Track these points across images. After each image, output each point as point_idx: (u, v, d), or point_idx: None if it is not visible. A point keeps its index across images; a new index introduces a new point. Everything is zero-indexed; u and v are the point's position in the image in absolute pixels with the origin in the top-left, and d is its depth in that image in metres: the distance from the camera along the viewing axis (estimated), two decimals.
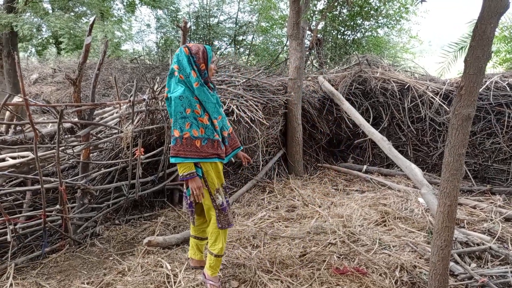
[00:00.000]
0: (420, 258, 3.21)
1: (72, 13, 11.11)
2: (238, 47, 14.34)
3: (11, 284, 2.81)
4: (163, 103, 4.22)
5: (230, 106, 4.67)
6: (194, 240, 2.95)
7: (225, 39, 14.23)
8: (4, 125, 3.95)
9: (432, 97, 5.69)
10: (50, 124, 4.88)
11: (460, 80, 2.10)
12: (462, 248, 3.28)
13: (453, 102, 2.14)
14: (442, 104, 5.57)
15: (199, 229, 2.92)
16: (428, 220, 3.90)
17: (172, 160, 2.50)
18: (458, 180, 2.23)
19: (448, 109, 5.53)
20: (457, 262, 3.04)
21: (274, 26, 12.95)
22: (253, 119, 4.74)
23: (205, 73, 2.58)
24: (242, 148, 2.97)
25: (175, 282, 2.83)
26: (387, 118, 6.05)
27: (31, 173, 3.59)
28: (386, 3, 10.04)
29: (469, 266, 3.06)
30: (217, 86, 5.07)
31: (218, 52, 13.80)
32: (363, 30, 10.75)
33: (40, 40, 16.49)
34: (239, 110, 4.66)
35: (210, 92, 2.61)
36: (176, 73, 2.53)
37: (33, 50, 18.56)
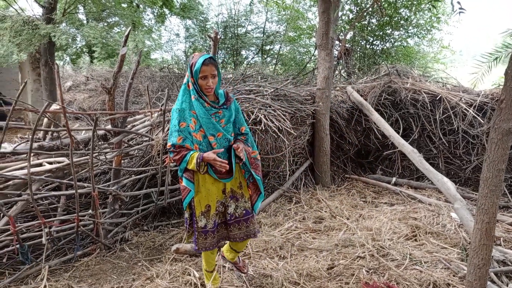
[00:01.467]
0: (453, 276, 3.10)
1: (105, 23, 11.52)
2: (265, 56, 14.42)
3: (45, 286, 2.89)
4: None
5: (258, 116, 4.69)
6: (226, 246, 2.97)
7: (252, 48, 14.35)
8: (42, 131, 4.11)
9: (465, 109, 5.52)
10: (84, 131, 5.04)
11: (500, 93, 2.03)
12: (499, 267, 3.14)
13: (493, 115, 2.08)
14: (476, 116, 5.40)
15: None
16: (462, 236, 3.76)
17: (179, 171, 2.49)
18: (497, 196, 2.15)
19: (482, 121, 5.35)
20: (493, 282, 2.91)
21: (302, 36, 12.96)
22: (281, 128, 4.74)
23: (197, 87, 2.41)
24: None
25: None
26: (418, 129, 5.91)
27: (66, 178, 3.70)
28: (417, 13, 9.87)
29: (507, 286, 2.92)
30: (245, 96, 5.10)
31: (245, 62, 13.93)
32: (392, 40, 10.60)
33: (74, 50, 17.12)
34: (266, 119, 4.67)
35: (207, 106, 2.43)
36: (184, 81, 2.49)
37: (68, 59, 19.30)
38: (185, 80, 2.48)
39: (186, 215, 2.59)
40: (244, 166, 2.61)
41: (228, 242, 2.86)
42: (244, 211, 2.62)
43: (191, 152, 2.39)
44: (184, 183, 2.48)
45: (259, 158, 2.69)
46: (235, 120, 2.61)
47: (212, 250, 2.64)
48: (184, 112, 2.40)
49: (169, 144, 2.42)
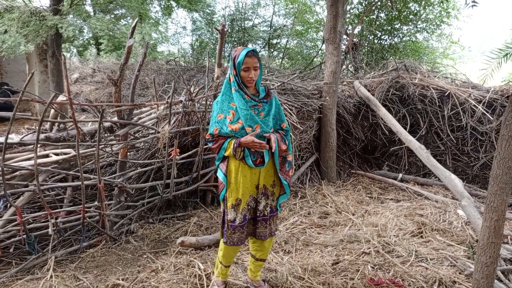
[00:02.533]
0: (459, 273, 3.07)
1: (112, 15, 11.50)
2: (272, 50, 14.35)
3: (51, 276, 2.91)
4: (199, 104, 4.27)
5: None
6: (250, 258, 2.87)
7: (259, 42, 14.27)
8: (48, 123, 4.12)
9: (474, 105, 5.46)
10: (90, 123, 5.05)
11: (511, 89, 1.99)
12: (506, 265, 3.11)
13: (504, 112, 2.04)
14: (485, 112, 5.33)
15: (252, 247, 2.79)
16: (469, 234, 3.74)
17: (216, 160, 2.53)
18: (506, 194, 2.12)
19: (491, 118, 5.29)
20: (500, 280, 2.89)
21: (309, 30, 12.86)
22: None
23: (238, 79, 2.46)
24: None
25: (207, 284, 2.84)
26: (425, 125, 5.85)
27: (72, 170, 3.71)
28: (426, 7, 9.74)
29: None
30: None
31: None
32: (401, 34, 10.48)
33: (81, 41, 17.15)
34: None
35: (247, 98, 2.46)
36: (227, 75, 2.54)
37: (75, 50, 19.35)
38: (227, 75, 2.53)
39: (222, 207, 2.62)
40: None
41: (251, 256, 2.81)
42: (270, 209, 2.60)
43: (229, 139, 2.44)
44: (218, 174, 2.55)
45: (289, 160, 2.62)
46: (276, 116, 2.60)
47: (238, 246, 2.60)
48: (223, 104, 2.46)
49: (207, 134, 2.53)
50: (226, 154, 2.45)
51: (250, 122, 2.43)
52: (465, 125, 5.51)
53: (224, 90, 2.51)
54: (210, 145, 2.54)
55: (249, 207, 2.55)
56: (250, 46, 13.99)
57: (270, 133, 2.47)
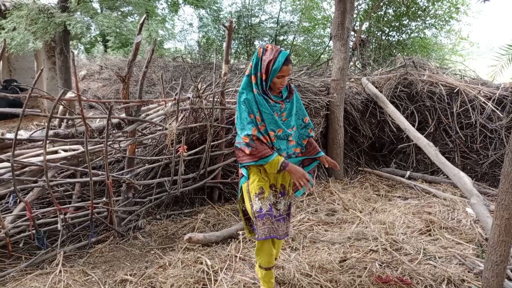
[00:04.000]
0: (468, 272, 3.05)
1: (119, 13, 11.53)
2: (279, 47, 14.31)
3: (60, 271, 2.93)
4: (206, 101, 4.27)
5: None
6: None
7: (265, 38, 14.24)
8: (57, 119, 4.15)
9: (484, 102, 5.40)
10: (99, 119, 5.08)
11: None
12: None
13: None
14: (495, 109, 5.27)
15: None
16: (478, 232, 3.70)
17: (244, 164, 2.39)
18: None
19: (501, 115, 5.23)
20: (510, 279, 2.86)
21: (316, 26, 12.79)
22: None
23: (264, 84, 2.32)
24: (321, 154, 2.61)
25: (215, 280, 2.85)
26: (434, 123, 5.80)
27: (81, 166, 3.74)
28: (435, 3, 9.64)
29: None
30: None
31: (254, 54, 13.81)
32: (409, 31, 10.40)
33: (89, 39, 17.23)
34: None
35: (271, 102, 2.35)
36: (247, 72, 2.38)
37: (82, 47, 19.44)
38: (247, 71, 2.37)
39: (243, 207, 2.55)
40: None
41: None
42: (286, 208, 2.54)
43: (275, 155, 2.30)
44: (243, 171, 2.46)
45: (312, 142, 2.61)
46: (297, 111, 2.52)
47: (274, 238, 2.42)
48: (251, 104, 2.31)
49: (243, 136, 2.29)
50: (268, 169, 2.34)
51: (273, 126, 2.35)
52: (474, 122, 5.45)
53: (247, 89, 2.34)
54: (244, 148, 2.30)
55: (274, 192, 2.47)
56: (257, 43, 13.97)
57: (323, 156, 2.56)
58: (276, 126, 2.36)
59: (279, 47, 2.38)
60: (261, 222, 2.35)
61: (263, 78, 2.28)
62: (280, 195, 2.47)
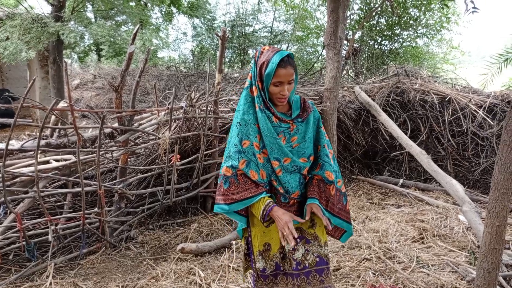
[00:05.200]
0: (461, 279, 3.05)
1: (113, 22, 11.56)
2: (279, 47, 14.40)
3: (50, 283, 2.90)
4: (200, 110, 4.28)
5: None
6: None
7: (259, 47, 14.33)
8: (49, 129, 4.12)
9: (475, 110, 5.46)
10: (91, 129, 5.05)
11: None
12: (508, 271, 3.09)
13: (505, 117, 2.03)
14: (486, 117, 5.33)
15: None
16: (470, 240, 3.71)
17: (217, 209, 1.85)
18: (508, 199, 2.11)
19: (492, 123, 5.28)
20: (502, 286, 2.87)
21: (310, 35, 12.90)
22: None
23: (263, 95, 1.81)
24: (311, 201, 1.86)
25: None
26: (426, 131, 5.85)
27: (72, 176, 3.71)
28: (426, 13, 9.78)
29: None
30: None
31: (252, 61, 13.90)
32: (401, 40, 10.52)
33: (82, 48, 17.23)
34: None
35: (274, 121, 1.82)
36: (246, 84, 1.88)
37: (76, 57, 19.42)
38: (247, 83, 1.87)
39: (242, 243, 2.08)
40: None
41: None
42: (317, 259, 1.89)
43: (261, 196, 1.78)
44: (221, 210, 1.86)
45: (343, 190, 1.96)
46: (316, 136, 1.95)
47: None
48: (247, 127, 1.81)
49: (225, 166, 1.81)
50: (254, 212, 1.83)
51: (276, 154, 1.82)
52: (465, 130, 5.50)
53: (245, 106, 1.84)
54: (221, 183, 1.81)
55: (281, 256, 1.92)
56: (251, 51, 14.02)
57: (314, 204, 1.81)
58: (282, 154, 1.83)
59: (278, 47, 1.97)
60: (262, 282, 1.94)
61: (260, 87, 1.79)
62: (298, 241, 1.88)
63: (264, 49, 1.80)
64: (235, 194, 1.78)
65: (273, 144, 1.81)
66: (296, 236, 1.71)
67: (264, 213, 1.75)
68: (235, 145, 1.81)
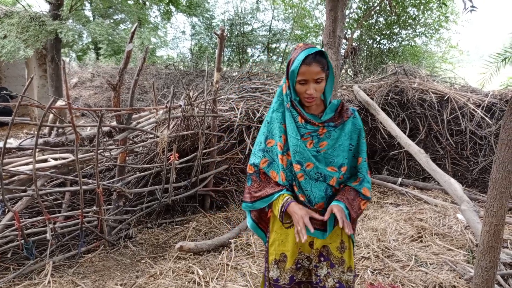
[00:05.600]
0: (459, 278, 3.06)
1: (111, 20, 11.54)
2: (271, 54, 14.38)
3: (49, 281, 2.89)
4: (198, 109, 4.27)
5: (264, 114, 4.66)
6: None
7: (258, 46, 14.31)
8: (47, 127, 4.11)
9: (473, 109, 5.46)
10: (89, 127, 5.04)
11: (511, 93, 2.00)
12: (506, 269, 3.10)
13: (504, 116, 2.04)
14: (484, 116, 5.34)
15: None
16: (468, 238, 3.72)
17: (243, 207, 1.85)
18: (506, 198, 2.11)
19: (490, 122, 5.29)
20: (500, 285, 2.88)
21: (308, 34, 12.90)
22: None
23: (291, 95, 1.73)
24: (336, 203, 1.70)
25: None
26: (424, 130, 5.86)
27: (71, 174, 3.70)
28: (425, 12, 9.79)
29: None
30: (251, 94, 5.05)
31: (251, 60, 13.90)
32: (399, 39, 10.53)
33: (81, 46, 17.19)
34: None
35: (300, 122, 1.73)
36: (281, 82, 1.83)
37: (74, 55, 19.37)
38: (282, 81, 1.83)
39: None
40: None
41: None
42: (337, 285, 1.79)
43: (281, 192, 1.72)
44: (248, 223, 1.90)
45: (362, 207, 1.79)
46: (353, 147, 1.78)
47: None
48: (273, 125, 1.77)
49: (249, 164, 1.81)
50: (274, 211, 1.77)
51: (299, 157, 1.71)
52: (464, 129, 5.51)
53: (276, 104, 1.79)
54: (248, 183, 1.81)
55: (298, 266, 1.83)
56: (249, 50, 13.99)
57: (336, 205, 1.66)
58: (304, 158, 1.71)
59: (311, 43, 1.90)
60: None
61: (288, 85, 1.73)
62: (320, 258, 1.81)
63: (298, 46, 1.71)
64: (257, 192, 1.77)
65: (296, 146, 1.71)
66: (312, 230, 1.61)
67: (282, 210, 1.69)
68: (260, 143, 1.80)
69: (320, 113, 1.78)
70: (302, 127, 1.72)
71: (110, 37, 9.29)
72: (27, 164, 3.61)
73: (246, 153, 4.63)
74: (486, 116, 5.34)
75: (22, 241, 3.02)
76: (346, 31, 9.52)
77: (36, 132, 2.90)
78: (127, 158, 3.84)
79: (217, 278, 2.98)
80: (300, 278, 1.85)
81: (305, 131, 1.72)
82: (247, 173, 1.82)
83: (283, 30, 13.94)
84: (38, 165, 3.37)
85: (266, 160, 1.76)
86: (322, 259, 1.79)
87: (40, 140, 3.83)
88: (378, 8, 9.62)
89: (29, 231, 3.15)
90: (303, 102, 1.72)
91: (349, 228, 1.59)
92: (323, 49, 1.70)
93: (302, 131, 1.72)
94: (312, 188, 1.73)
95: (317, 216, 1.67)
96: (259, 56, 14.49)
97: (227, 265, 3.18)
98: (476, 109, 5.44)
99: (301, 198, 1.74)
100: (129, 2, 11.51)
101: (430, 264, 3.28)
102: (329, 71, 1.70)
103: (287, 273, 1.82)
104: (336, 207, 1.64)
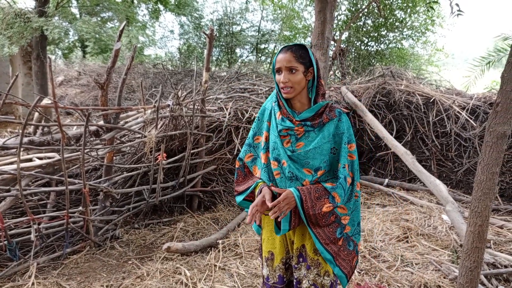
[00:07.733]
0: (444, 277, 3.11)
1: (98, 18, 11.41)
2: (260, 55, 14.40)
3: (33, 283, 2.84)
4: (186, 109, 4.25)
5: (252, 114, 4.66)
6: None
7: (247, 47, 14.32)
8: (32, 126, 4.04)
9: (458, 112, 5.56)
10: (76, 126, 4.98)
11: (496, 96, 2.04)
12: (489, 269, 3.15)
13: (488, 118, 2.08)
14: (468, 119, 5.43)
15: None
16: (453, 239, 3.78)
17: (238, 200, 1.85)
18: (490, 199, 2.15)
19: (475, 124, 5.39)
20: (483, 284, 2.93)
21: (297, 35, 12.95)
22: None
23: (277, 87, 1.72)
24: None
25: None
26: (411, 131, 5.94)
27: (56, 174, 3.65)
28: (412, 15, 9.92)
29: None
30: (239, 94, 5.04)
31: (239, 60, 13.89)
32: (387, 41, 10.66)
33: (67, 44, 16.95)
34: None
35: (279, 117, 1.71)
36: None
37: (60, 53, 19.09)
38: None
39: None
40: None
41: None
42: (312, 287, 1.77)
43: (258, 181, 1.75)
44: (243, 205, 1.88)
45: (345, 223, 1.72)
46: (333, 150, 1.69)
47: None
48: (262, 121, 1.79)
49: (237, 159, 1.88)
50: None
51: (276, 153, 1.70)
52: (449, 131, 5.60)
53: (268, 102, 1.83)
54: (235, 176, 1.86)
55: (287, 266, 1.84)
56: (238, 50, 13.98)
57: (289, 192, 1.62)
58: (280, 156, 1.68)
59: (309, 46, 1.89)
60: None
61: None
62: (299, 259, 1.78)
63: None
64: (240, 185, 1.83)
65: (274, 143, 1.70)
66: (270, 205, 1.56)
67: (257, 193, 1.71)
68: (248, 138, 1.84)
69: (299, 110, 1.72)
70: (279, 122, 1.69)
71: (97, 35, 9.19)
72: (11, 163, 3.55)
73: (235, 153, 4.62)
74: (471, 119, 5.44)
75: (6, 242, 2.96)
76: (334, 32, 9.59)
77: (20, 131, 2.84)
78: (114, 157, 3.80)
79: (204, 279, 2.96)
80: (288, 278, 1.86)
81: (282, 127, 1.68)
82: (236, 168, 1.87)
83: (272, 30, 13.98)
84: (22, 165, 3.31)
85: (251, 155, 1.81)
86: (301, 259, 1.77)
87: (25, 139, 3.76)
88: (366, 10, 9.72)
89: (12, 231, 3.09)
90: (281, 93, 1.67)
91: (273, 211, 1.56)
92: (305, 44, 1.68)
93: (279, 127, 1.69)
94: (287, 187, 1.69)
95: (268, 203, 1.59)
96: (247, 56, 14.50)
97: (215, 266, 3.17)
98: (461, 112, 5.54)
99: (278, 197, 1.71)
100: (116, 0, 11.39)
101: (416, 264, 3.32)
102: (313, 68, 1.68)
103: (275, 272, 1.83)
104: (286, 194, 1.61)
